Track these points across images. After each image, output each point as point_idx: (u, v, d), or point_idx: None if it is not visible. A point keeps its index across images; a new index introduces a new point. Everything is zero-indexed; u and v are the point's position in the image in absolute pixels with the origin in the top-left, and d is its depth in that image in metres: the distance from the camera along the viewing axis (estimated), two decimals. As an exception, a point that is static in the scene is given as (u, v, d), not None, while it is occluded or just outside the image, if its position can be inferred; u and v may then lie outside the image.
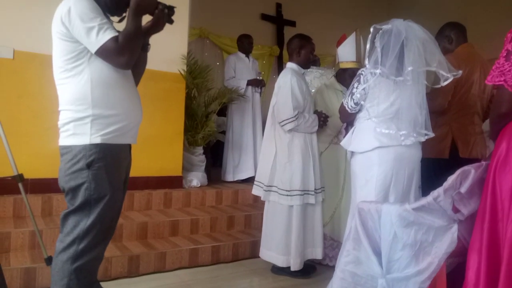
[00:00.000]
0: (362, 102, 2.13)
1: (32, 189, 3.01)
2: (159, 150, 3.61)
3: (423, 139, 2.06)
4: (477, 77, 2.45)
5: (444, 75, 1.94)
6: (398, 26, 1.99)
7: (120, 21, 1.71)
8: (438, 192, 1.56)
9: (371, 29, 2.03)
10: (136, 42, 1.56)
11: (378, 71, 1.97)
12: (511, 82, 1.34)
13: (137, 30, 1.54)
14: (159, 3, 1.59)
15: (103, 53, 1.52)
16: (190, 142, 4.02)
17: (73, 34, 1.52)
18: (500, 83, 1.37)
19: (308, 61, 2.75)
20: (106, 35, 1.50)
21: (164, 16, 1.59)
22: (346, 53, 2.81)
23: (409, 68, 1.93)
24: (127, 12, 1.59)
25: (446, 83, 1.96)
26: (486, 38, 4.81)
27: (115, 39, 1.51)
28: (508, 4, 1.53)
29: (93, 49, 1.52)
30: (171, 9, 1.62)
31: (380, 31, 2.01)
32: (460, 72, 1.98)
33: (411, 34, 1.97)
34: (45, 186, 3.01)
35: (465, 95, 2.44)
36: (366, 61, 2.07)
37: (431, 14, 6.27)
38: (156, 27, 1.61)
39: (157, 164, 3.60)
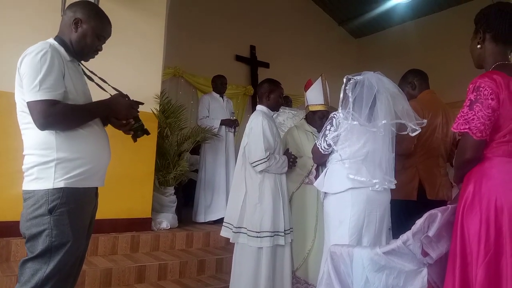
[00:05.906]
0: (333, 144, 2.17)
1: (-12, 233, 2.82)
2: (127, 191, 3.49)
3: (393, 186, 2.12)
4: (440, 122, 2.56)
5: (413, 127, 2.03)
6: (370, 78, 2.09)
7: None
8: (407, 235, 1.57)
9: (344, 79, 2.14)
10: (74, 121, 1.56)
11: (353, 121, 2.03)
12: (475, 130, 1.42)
13: (89, 117, 1.60)
14: (135, 118, 1.70)
15: (31, 107, 1.48)
16: (161, 182, 3.92)
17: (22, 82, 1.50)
18: (465, 130, 1.45)
19: (277, 104, 2.84)
20: (44, 95, 1.46)
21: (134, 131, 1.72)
22: (314, 96, 2.94)
23: (383, 121, 2.02)
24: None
25: (415, 134, 2.05)
26: (446, 84, 5.12)
27: (51, 102, 1.46)
28: (466, 54, 1.67)
29: (26, 99, 1.48)
30: (143, 131, 1.74)
31: (352, 81, 2.10)
32: (425, 121, 2.09)
33: (381, 87, 2.08)
34: (4, 230, 2.83)
35: (429, 139, 2.53)
36: (340, 109, 2.16)
37: (396, 60, 6.64)
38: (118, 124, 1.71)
39: (125, 206, 3.47)
